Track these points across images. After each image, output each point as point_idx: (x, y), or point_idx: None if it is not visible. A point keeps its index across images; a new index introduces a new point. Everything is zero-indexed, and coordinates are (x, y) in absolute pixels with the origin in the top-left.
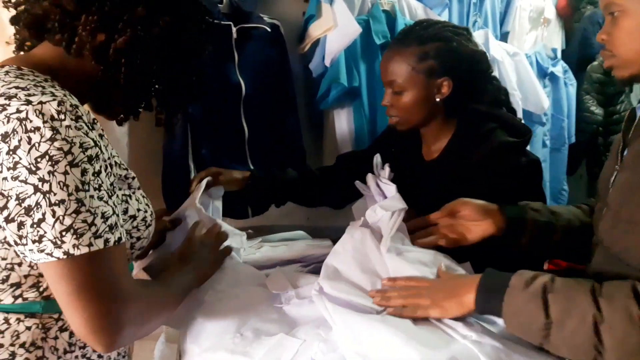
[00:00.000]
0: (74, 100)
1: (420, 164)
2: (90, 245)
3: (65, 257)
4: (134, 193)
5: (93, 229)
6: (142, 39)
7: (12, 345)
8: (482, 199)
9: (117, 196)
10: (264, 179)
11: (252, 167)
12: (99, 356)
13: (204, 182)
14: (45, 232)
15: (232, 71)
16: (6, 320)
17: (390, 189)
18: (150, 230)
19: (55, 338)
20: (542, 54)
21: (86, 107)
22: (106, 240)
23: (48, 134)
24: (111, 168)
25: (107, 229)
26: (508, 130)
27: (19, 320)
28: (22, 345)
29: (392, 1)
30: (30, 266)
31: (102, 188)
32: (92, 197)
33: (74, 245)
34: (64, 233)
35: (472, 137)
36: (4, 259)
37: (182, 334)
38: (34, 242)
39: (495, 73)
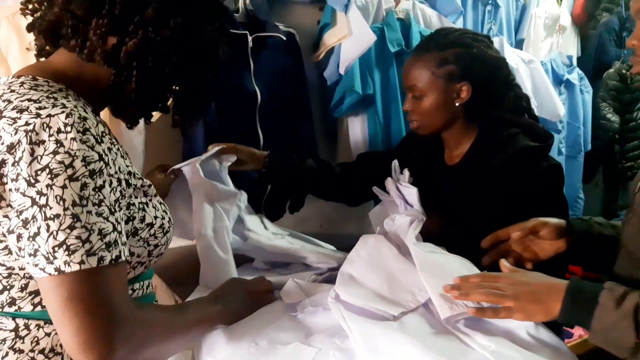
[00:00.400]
0: (85, 112)
1: (442, 168)
2: (81, 262)
3: (56, 273)
4: (150, 200)
5: (87, 245)
6: (153, 41)
7: (31, 351)
8: (504, 203)
9: (127, 212)
10: (281, 163)
11: None
12: None
13: (216, 148)
14: (39, 247)
15: (248, 79)
16: (26, 327)
17: (411, 191)
18: (168, 237)
19: None
20: (557, 61)
21: (103, 114)
22: (100, 259)
23: (51, 147)
24: (119, 183)
25: (103, 246)
26: (530, 135)
27: (38, 326)
28: (42, 352)
29: (406, 9)
30: None
31: (103, 204)
32: (89, 212)
33: (65, 262)
34: (56, 249)
35: (494, 141)
36: (21, 268)
37: (197, 345)
38: (30, 255)
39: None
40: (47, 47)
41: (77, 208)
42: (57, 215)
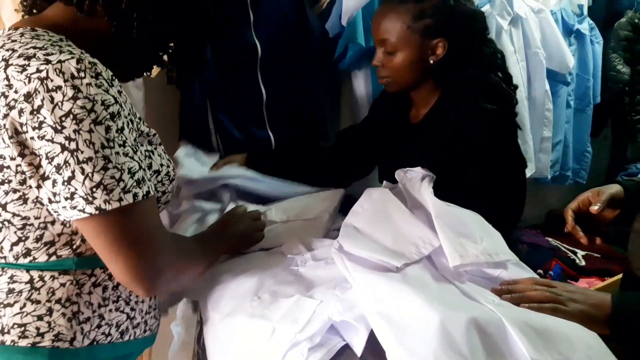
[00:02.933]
0: (92, 57)
1: (406, 126)
2: (120, 200)
3: (97, 212)
4: (155, 149)
5: (122, 184)
6: None
7: (48, 301)
8: (459, 160)
9: (141, 152)
10: (260, 167)
11: (270, 132)
12: (132, 309)
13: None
14: (76, 189)
15: (248, 32)
16: (41, 278)
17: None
18: (174, 185)
19: (89, 293)
20: (567, 10)
21: None
22: (135, 195)
23: (70, 92)
24: (132, 123)
25: (134, 183)
26: (491, 96)
27: (53, 277)
28: (58, 301)
29: None
30: (63, 224)
31: (126, 144)
32: (117, 153)
33: (105, 201)
34: (94, 189)
35: (454, 101)
36: (37, 218)
37: (202, 303)
38: (66, 199)
39: (519, 30)
40: (38, 6)
41: (106, 150)
42: (90, 158)
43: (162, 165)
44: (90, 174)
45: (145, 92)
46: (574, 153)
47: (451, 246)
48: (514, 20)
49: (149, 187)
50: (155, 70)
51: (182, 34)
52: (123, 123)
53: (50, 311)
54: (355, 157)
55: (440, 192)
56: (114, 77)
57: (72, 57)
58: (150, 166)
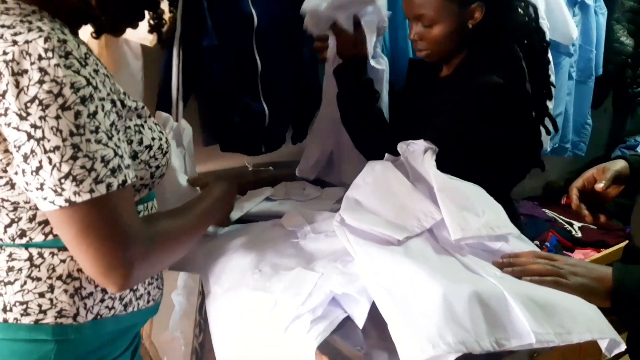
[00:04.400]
0: (64, 34)
1: (434, 80)
2: (91, 191)
3: (67, 204)
4: (145, 122)
5: (93, 174)
6: None
7: (49, 278)
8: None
9: (124, 135)
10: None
11: (264, 103)
12: None
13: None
14: (44, 180)
15: (245, 3)
16: (40, 255)
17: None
18: (168, 157)
19: None
20: None
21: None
22: (109, 185)
23: (36, 76)
24: (114, 105)
25: (108, 172)
26: (503, 71)
27: (52, 254)
28: (59, 278)
29: None
30: None
31: (99, 130)
32: (88, 141)
33: (74, 193)
34: (63, 180)
35: (471, 67)
36: (27, 202)
37: (204, 276)
38: (37, 189)
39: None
40: None
41: (75, 138)
42: (57, 147)
43: (153, 139)
44: (58, 164)
45: (143, 62)
46: (574, 125)
47: (453, 219)
48: None
49: (125, 176)
50: (154, 39)
51: None
52: (97, 107)
53: (51, 288)
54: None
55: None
56: (88, 55)
57: (40, 36)
58: (141, 141)
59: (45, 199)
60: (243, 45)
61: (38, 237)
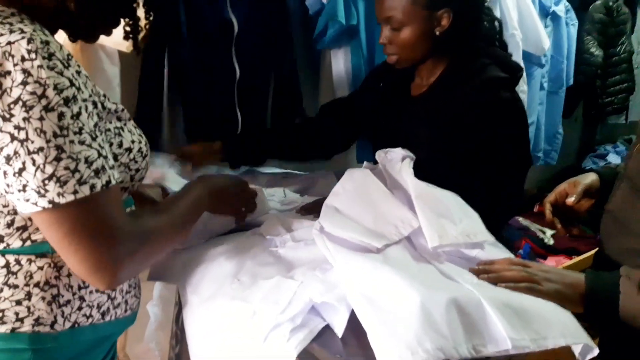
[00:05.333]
0: (45, 35)
1: (406, 99)
2: (75, 192)
3: (50, 206)
4: (125, 125)
5: (77, 175)
6: None
7: (26, 285)
8: (463, 132)
9: (105, 137)
10: (239, 150)
11: (238, 111)
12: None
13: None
14: (27, 182)
15: (224, 8)
16: (17, 262)
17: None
18: (147, 161)
19: (69, 275)
20: None
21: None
22: (92, 186)
23: (19, 77)
24: (95, 106)
25: (92, 174)
26: (500, 66)
27: (30, 260)
28: (37, 285)
29: None
30: None
31: (83, 131)
32: (72, 142)
33: (58, 194)
34: (46, 182)
35: (464, 71)
36: (5, 206)
37: (182, 286)
38: (19, 191)
39: (497, 11)
40: None
41: (59, 139)
42: (41, 149)
43: (133, 142)
44: (41, 165)
45: (120, 68)
46: (546, 134)
47: (430, 227)
48: (493, 1)
49: (109, 176)
50: (130, 45)
51: None
52: (80, 108)
53: (29, 295)
54: (337, 129)
55: (436, 168)
56: (70, 57)
57: (23, 37)
58: (121, 144)
59: (27, 200)
60: (222, 52)
61: (15, 243)
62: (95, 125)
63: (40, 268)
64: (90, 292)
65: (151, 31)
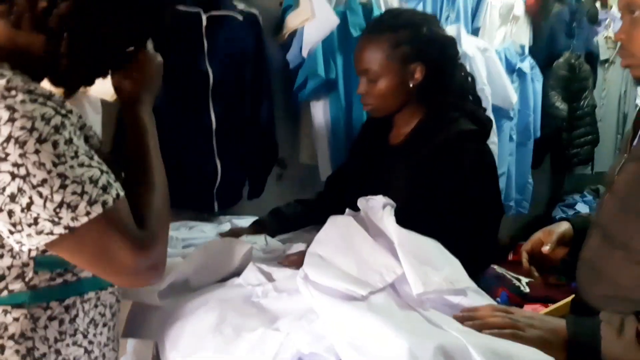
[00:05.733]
0: (24, 79)
1: (385, 148)
2: (88, 214)
3: (67, 231)
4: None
5: (85, 197)
6: (88, 1)
7: (0, 337)
8: (436, 182)
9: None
10: (271, 224)
11: (218, 160)
12: (89, 342)
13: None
14: (38, 214)
15: (201, 60)
16: None
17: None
18: None
19: (45, 327)
20: (510, 50)
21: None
22: (104, 203)
23: (5, 115)
24: (82, 129)
25: (100, 191)
26: (471, 119)
27: (5, 312)
28: (12, 337)
29: None
30: (13, 257)
31: (79, 153)
32: (72, 167)
33: (72, 218)
34: (58, 210)
35: (437, 122)
36: None
37: (160, 342)
38: (29, 225)
39: (467, 68)
40: None
41: (60, 167)
42: (44, 180)
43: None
44: (49, 196)
45: (103, 116)
46: (517, 184)
47: (414, 274)
48: (462, 58)
49: (116, 189)
50: (114, 94)
51: (122, 41)
52: (70, 132)
53: (2, 348)
54: (344, 196)
55: (413, 216)
56: (52, 93)
57: (2, 78)
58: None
59: (41, 232)
60: (198, 102)
61: None
62: (86, 144)
63: (16, 319)
64: (67, 345)
65: None
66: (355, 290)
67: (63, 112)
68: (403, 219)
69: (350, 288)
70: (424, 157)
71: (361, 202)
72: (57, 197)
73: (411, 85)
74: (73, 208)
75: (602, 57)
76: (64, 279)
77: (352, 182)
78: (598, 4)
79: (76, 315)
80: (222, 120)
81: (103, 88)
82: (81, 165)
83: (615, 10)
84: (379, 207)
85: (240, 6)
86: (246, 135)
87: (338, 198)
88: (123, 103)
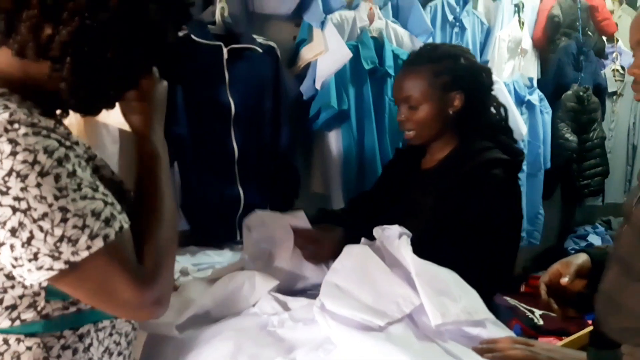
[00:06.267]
0: (30, 112)
1: (416, 172)
2: (88, 248)
3: (67, 266)
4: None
5: (87, 230)
6: (90, 27)
7: None
8: (462, 206)
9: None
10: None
11: (240, 188)
12: None
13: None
14: (39, 249)
15: (223, 91)
16: (5, 342)
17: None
18: None
19: (58, 357)
20: (519, 82)
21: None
22: (105, 236)
23: (7, 148)
24: (89, 161)
25: (102, 225)
26: (503, 150)
27: (18, 340)
28: None
29: (379, 28)
30: (24, 286)
31: (82, 186)
32: (74, 200)
33: (72, 253)
34: (58, 244)
35: (470, 150)
36: None
37: None
38: (29, 260)
39: None
40: None
41: (61, 200)
42: (45, 214)
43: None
44: (50, 230)
45: (121, 145)
46: (528, 215)
47: (432, 304)
48: None
49: (121, 221)
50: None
51: (129, 68)
52: (73, 164)
53: None
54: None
55: (436, 239)
56: (57, 125)
57: (5, 111)
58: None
59: (40, 267)
60: (220, 132)
61: (4, 323)
62: (92, 176)
63: (29, 348)
64: None
65: None
66: (373, 321)
67: (68, 144)
68: (426, 241)
69: (367, 318)
70: (454, 181)
71: (377, 231)
72: (58, 231)
73: (450, 112)
74: (74, 242)
75: (610, 89)
76: (77, 307)
77: (380, 202)
78: (605, 38)
79: (90, 344)
80: (243, 149)
81: (121, 117)
82: (84, 197)
83: (622, 44)
84: (395, 237)
85: (259, 39)
86: (267, 163)
87: (361, 218)
88: (135, 132)
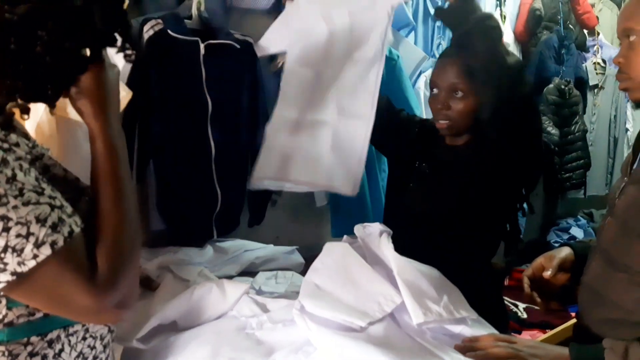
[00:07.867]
0: None
1: (442, 147)
2: (35, 257)
3: (14, 277)
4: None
5: (32, 239)
6: (11, 22)
7: None
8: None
9: (51, 187)
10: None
11: (217, 187)
12: None
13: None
14: None
15: (199, 87)
16: None
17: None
18: None
19: None
20: None
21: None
22: (53, 244)
23: None
24: (34, 162)
25: (49, 231)
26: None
27: None
28: None
29: None
30: None
31: (24, 190)
32: (15, 207)
33: (18, 263)
34: (2, 255)
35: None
36: None
37: None
38: None
39: None
40: None
41: (1, 209)
42: None
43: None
44: None
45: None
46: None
47: (414, 303)
48: None
49: (71, 225)
50: None
51: (59, 59)
52: (13, 168)
53: None
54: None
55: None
56: None
57: None
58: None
59: None
60: (197, 130)
61: None
62: (37, 178)
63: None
64: None
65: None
66: (354, 322)
67: (6, 146)
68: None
69: (348, 319)
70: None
71: (358, 229)
72: (1, 242)
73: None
74: (19, 252)
75: (592, 82)
76: (44, 313)
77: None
78: (586, 31)
79: (62, 350)
80: (221, 146)
81: None
82: (26, 203)
83: (603, 37)
84: (376, 234)
85: (237, 34)
86: (245, 160)
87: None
88: (87, 124)
